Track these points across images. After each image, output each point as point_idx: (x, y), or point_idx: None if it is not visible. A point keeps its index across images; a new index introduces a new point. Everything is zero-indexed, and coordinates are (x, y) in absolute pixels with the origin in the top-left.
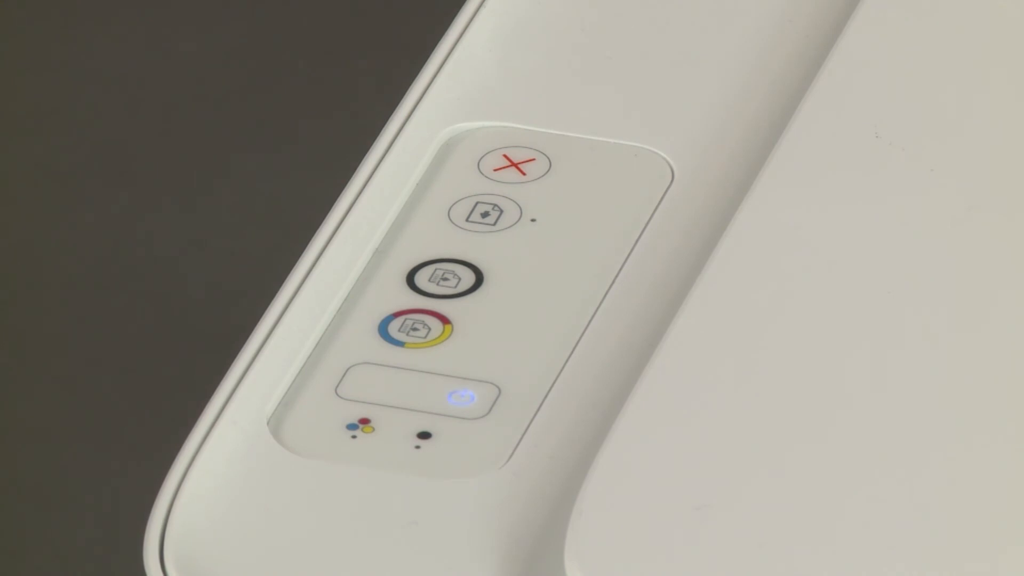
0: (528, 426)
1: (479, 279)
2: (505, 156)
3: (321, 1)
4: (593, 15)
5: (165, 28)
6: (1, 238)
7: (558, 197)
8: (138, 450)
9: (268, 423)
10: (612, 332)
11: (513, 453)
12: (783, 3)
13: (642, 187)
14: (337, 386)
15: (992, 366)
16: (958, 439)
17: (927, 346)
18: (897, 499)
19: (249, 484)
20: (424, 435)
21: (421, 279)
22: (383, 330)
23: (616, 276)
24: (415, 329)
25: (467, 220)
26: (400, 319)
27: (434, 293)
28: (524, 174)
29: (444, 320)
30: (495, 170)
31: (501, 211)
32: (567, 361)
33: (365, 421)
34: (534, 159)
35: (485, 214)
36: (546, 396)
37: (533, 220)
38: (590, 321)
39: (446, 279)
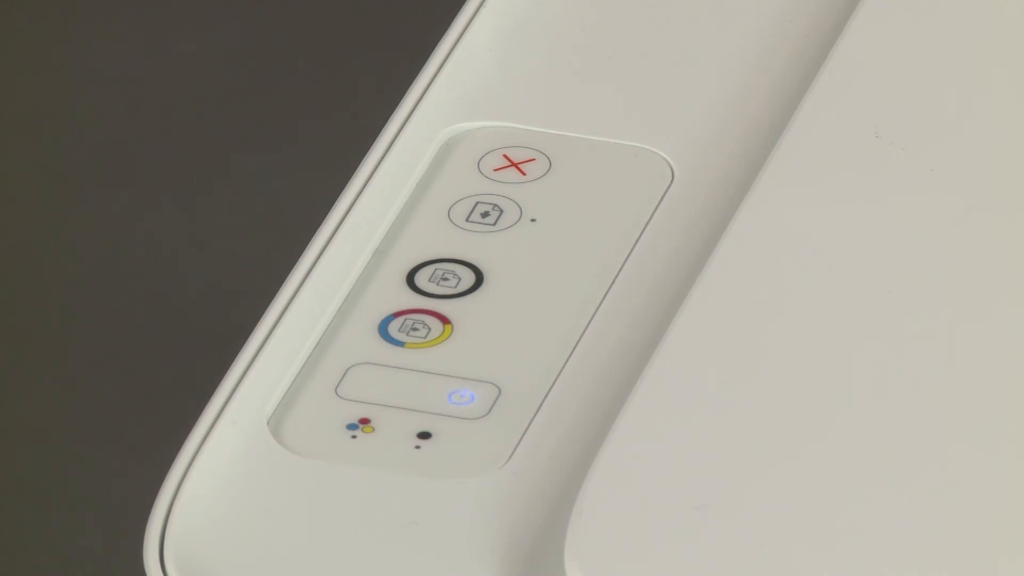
0: (528, 426)
1: (479, 279)
2: (505, 156)
3: (321, 1)
4: (593, 15)
5: (165, 28)
6: (1, 238)
7: (558, 197)
8: (138, 450)
9: (268, 423)
10: (612, 332)
11: (513, 453)
12: (783, 3)
13: (642, 187)
14: (337, 386)
15: (992, 366)
16: (958, 439)
17: (927, 346)
18: (897, 499)
19: (249, 484)
20: (424, 435)
21: (421, 279)
22: (383, 330)
23: (616, 276)
24: (415, 329)
25: (467, 220)
26: (400, 319)
27: (434, 293)
28: (524, 174)
29: (444, 320)
30: (495, 170)
31: (501, 211)
32: (567, 361)
33: (365, 421)
34: (534, 159)
35: (485, 214)
36: (546, 396)
37: (533, 220)
38: (590, 321)
39: (446, 279)
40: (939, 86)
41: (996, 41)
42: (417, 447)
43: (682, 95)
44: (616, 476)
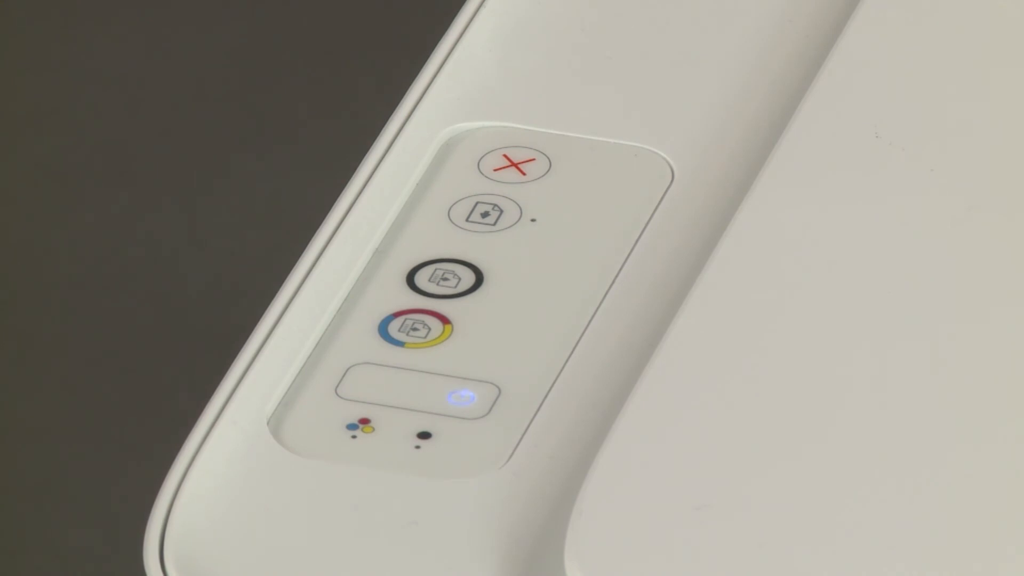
0: (528, 426)
1: (479, 279)
2: (505, 156)
3: (321, 1)
4: (593, 15)
5: (165, 28)
6: (1, 238)
7: (558, 197)
8: (138, 450)
9: (268, 423)
10: (612, 332)
11: (513, 453)
12: (783, 3)
13: (642, 187)
14: (337, 386)
15: (992, 366)
16: (958, 439)
17: (927, 346)
18: (897, 499)
19: (249, 484)
20: (424, 435)
21: (421, 279)
22: (383, 330)
23: (616, 276)
24: (415, 329)
25: (467, 220)
26: (400, 319)
27: (434, 293)
28: (524, 174)
29: (444, 320)
30: (495, 170)
31: (501, 211)
32: (567, 361)
33: (365, 421)
34: (534, 159)
35: (485, 214)
36: (546, 396)
37: (533, 220)
38: (590, 321)
39: (446, 279)
40: (939, 86)
41: (996, 41)
42: (417, 447)
43: (682, 95)
44: (616, 476)
